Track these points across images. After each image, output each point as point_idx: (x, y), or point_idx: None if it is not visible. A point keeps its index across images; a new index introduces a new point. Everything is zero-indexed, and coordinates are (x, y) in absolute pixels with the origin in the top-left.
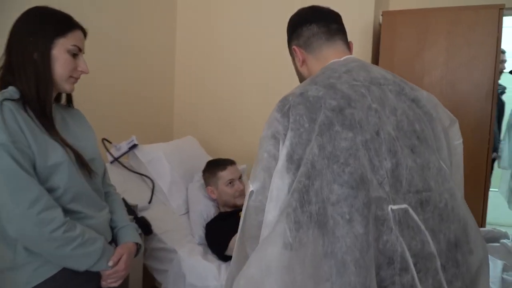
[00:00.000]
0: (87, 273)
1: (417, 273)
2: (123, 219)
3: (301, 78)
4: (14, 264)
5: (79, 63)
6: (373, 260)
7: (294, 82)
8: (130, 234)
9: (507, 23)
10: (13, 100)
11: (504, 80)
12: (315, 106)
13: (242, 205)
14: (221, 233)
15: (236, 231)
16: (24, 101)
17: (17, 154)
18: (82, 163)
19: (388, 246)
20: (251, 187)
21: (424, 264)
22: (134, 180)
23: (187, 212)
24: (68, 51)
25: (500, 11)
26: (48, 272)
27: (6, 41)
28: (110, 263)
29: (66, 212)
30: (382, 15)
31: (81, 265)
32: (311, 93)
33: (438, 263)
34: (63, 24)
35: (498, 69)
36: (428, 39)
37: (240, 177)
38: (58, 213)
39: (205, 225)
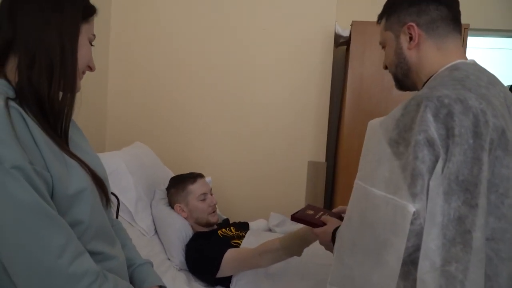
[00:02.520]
0: None
1: None
2: (137, 255)
3: (400, 62)
4: None
5: (91, 56)
6: None
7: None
8: (152, 275)
9: (474, 44)
10: (11, 99)
11: None
12: (479, 120)
13: (215, 223)
14: (209, 254)
15: (224, 249)
16: (21, 101)
17: (38, 181)
18: (102, 189)
19: None
20: (412, 206)
21: None
22: None
23: (155, 233)
24: (90, 40)
25: (465, 31)
26: None
27: (4, 9)
28: None
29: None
30: (351, 24)
31: None
32: (472, 103)
33: None
34: (88, 4)
35: None
36: None
37: (210, 191)
38: (89, 261)
39: (184, 247)
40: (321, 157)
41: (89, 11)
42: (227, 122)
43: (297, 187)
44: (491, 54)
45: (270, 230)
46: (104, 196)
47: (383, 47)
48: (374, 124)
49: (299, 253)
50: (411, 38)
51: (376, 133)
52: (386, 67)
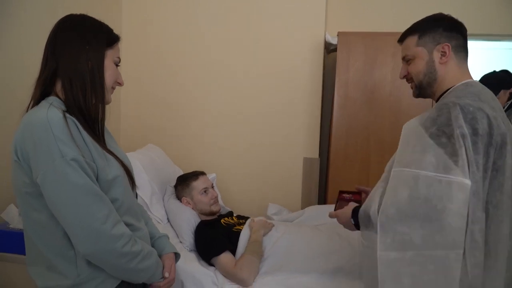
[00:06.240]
0: (142, 285)
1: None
2: (157, 230)
3: (430, 72)
4: (78, 281)
5: (118, 74)
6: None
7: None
8: (169, 245)
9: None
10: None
11: None
12: (492, 124)
13: (218, 211)
14: (214, 236)
15: (222, 249)
16: (70, 113)
17: (88, 169)
18: (130, 176)
19: None
20: (468, 181)
21: None
22: None
23: (168, 221)
24: (114, 62)
25: None
26: (110, 286)
27: (49, 46)
28: (166, 274)
29: None
30: (338, 35)
31: (140, 278)
32: (488, 112)
33: None
34: (111, 35)
35: None
36: (377, 59)
37: (212, 186)
38: (124, 227)
39: (194, 231)
40: (315, 154)
41: (112, 39)
42: (229, 126)
43: (293, 180)
44: (486, 54)
45: (269, 218)
46: (131, 181)
47: (407, 60)
48: (412, 124)
49: (262, 253)
50: (443, 55)
51: (416, 131)
52: (404, 77)
